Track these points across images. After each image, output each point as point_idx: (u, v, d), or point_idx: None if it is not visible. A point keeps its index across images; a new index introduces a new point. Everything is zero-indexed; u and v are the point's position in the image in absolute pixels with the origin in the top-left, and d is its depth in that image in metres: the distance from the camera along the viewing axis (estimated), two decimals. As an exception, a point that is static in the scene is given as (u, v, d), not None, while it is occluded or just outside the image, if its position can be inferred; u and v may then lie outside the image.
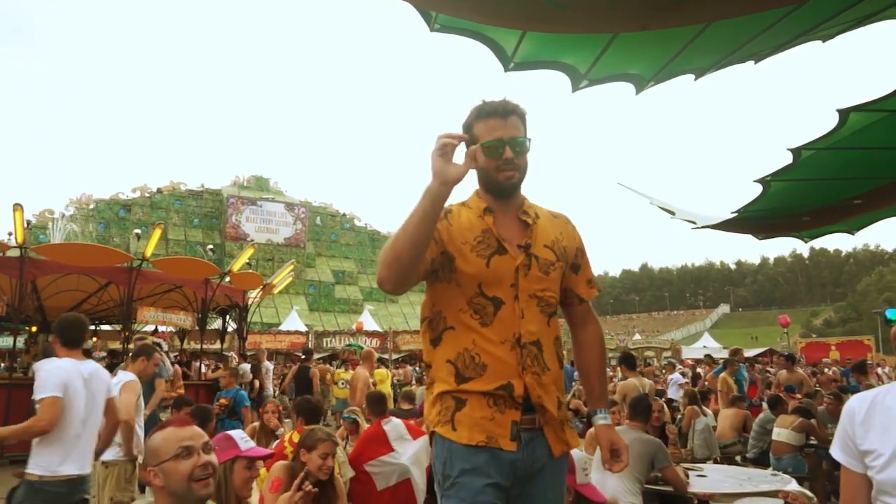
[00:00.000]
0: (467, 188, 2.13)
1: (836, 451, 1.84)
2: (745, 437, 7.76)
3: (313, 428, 3.36)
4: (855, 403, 1.82)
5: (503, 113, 1.98)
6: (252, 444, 2.92)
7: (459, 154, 1.86)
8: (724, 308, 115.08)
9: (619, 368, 8.37)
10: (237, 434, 2.91)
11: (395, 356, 26.81)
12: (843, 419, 1.83)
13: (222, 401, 7.47)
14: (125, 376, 5.00)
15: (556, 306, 2.07)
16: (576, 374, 16.30)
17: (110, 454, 4.77)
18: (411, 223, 1.78)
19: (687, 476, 4.71)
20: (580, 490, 2.89)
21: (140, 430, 4.92)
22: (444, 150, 1.79)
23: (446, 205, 1.99)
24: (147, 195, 45.34)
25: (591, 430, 2.33)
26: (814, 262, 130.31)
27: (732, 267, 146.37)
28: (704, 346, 40.49)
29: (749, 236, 7.72)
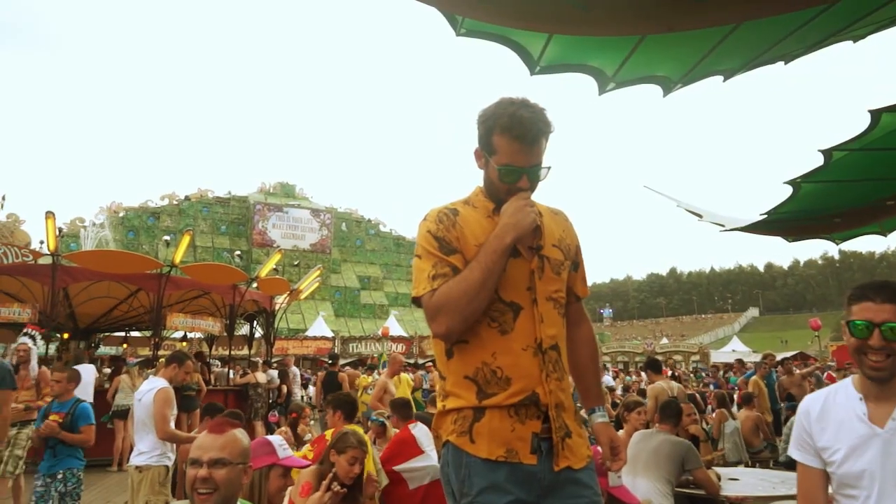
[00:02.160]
0: (469, 185, 2.08)
1: (793, 452, 1.97)
2: (768, 440, 7.74)
3: (347, 432, 3.36)
4: (809, 403, 1.96)
5: (531, 140, 1.84)
6: (290, 452, 2.92)
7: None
8: (754, 311, 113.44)
9: (645, 373, 8.34)
10: (276, 440, 2.90)
11: (421, 361, 26.82)
12: (798, 419, 1.96)
13: (53, 417, 5.24)
14: (157, 382, 5.06)
15: (565, 307, 2.00)
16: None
17: (143, 459, 4.85)
18: (488, 281, 1.76)
19: (719, 479, 4.66)
20: (612, 492, 2.87)
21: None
22: (525, 210, 1.80)
23: (450, 204, 1.97)
24: (175, 203, 46.07)
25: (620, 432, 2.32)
26: (845, 264, 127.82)
27: (762, 270, 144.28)
28: (733, 350, 39.88)
29: (779, 239, 7.62)
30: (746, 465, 6.85)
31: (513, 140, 1.84)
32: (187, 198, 46.79)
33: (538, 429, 1.82)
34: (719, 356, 36.90)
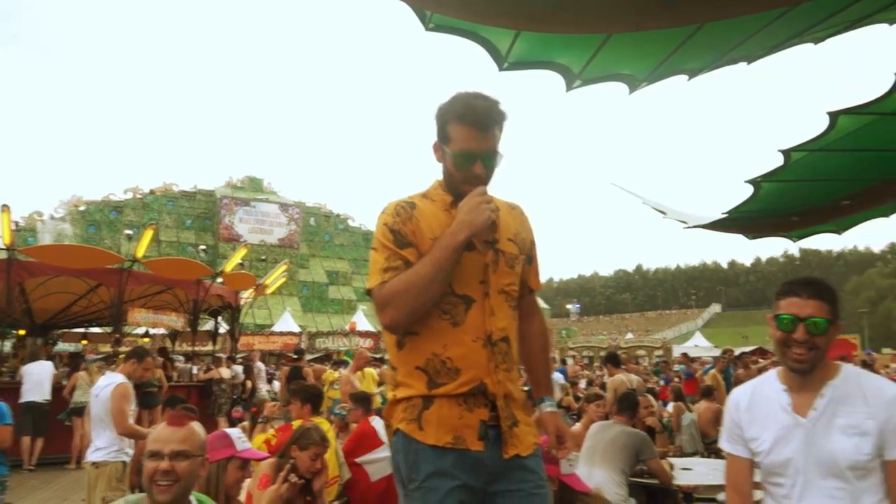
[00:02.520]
0: (428, 179, 2.09)
1: (723, 443, 2.06)
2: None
3: (310, 428, 3.36)
4: (738, 395, 2.04)
5: (484, 126, 1.89)
6: (248, 444, 2.92)
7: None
8: (716, 308, 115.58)
9: (606, 367, 8.54)
10: (234, 433, 2.91)
11: (388, 356, 26.73)
12: (728, 411, 2.05)
13: None
14: (115, 378, 4.99)
15: (518, 300, 2.04)
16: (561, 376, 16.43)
17: (100, 455, 4.78)
18: (438, 275, 1.79)
19: (672, 468, 4.79)
20: (564, 480, 2.91)
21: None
22: (481, 205, 1.80)
23: (409, 197, 2.00)
24: (139, 196, 45.13)
25: (576, 427, 2.34)
26: (805, 262, 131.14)
27: (725, 267, 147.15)
28: (696, 346, 40.63)
29: (742, 237, 7.78)
30: (702, 456, 7.03)
31: (467, 127, 1.89)
32: (152, 191, 45.88)
33: (486, 416, 1.86)
34: (682, 351, 37.56)
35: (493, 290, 1.92)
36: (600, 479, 4.22)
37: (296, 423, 4.47)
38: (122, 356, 6.41)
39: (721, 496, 5.23)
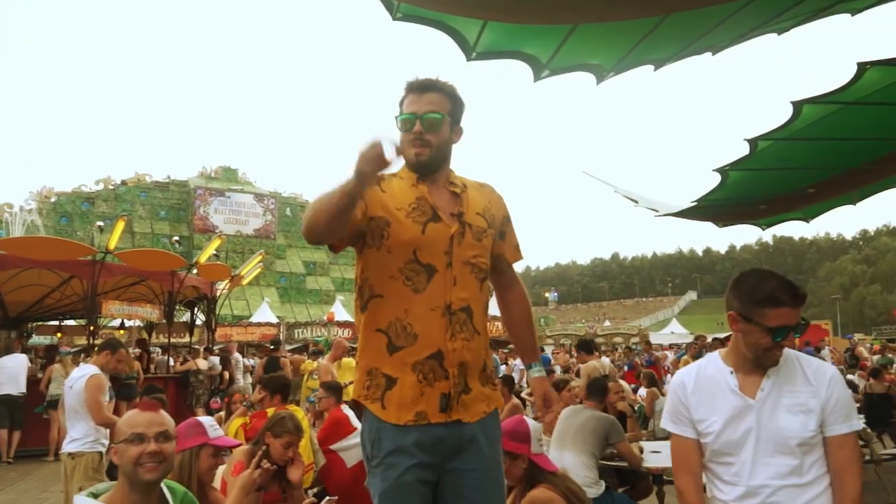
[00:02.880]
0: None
1: (666, 424, 2.10)
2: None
3: (284, 416, 3.39)
4: (683, 377, 2.08)
5: (420, 89, 2.02)
6: (221, 432, 2.97)
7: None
8: (692, 295, 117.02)
9: (578, 354, 8.65)
10: (207, 421, 2.96)
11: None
12: (674, 392, 2.09)
13: None
14: (88, 369, 5.00)
15: (487, 272, 2.09)
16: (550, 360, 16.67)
17: (76, 446, 4.79)
18: (335, 195, 1.80)
19: (641, 451, 4.90)
20: (533, 459, 2.98)
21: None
22: (367, 154, 1.76)
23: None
24: (111, 187, 44.37)
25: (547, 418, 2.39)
26: (778, 249, 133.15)
27: (701, 255, 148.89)
28: (672, 332, 41.19)
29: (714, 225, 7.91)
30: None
31: (408, 95, 2.04)
32: (124, 182, 45.12)
33: (446, 389, 1.94)
34: (658, 338, 38.06)
35: (456, 261, 1.98)
36: (570, 462, 4.30)
37: (270, 411, 4.52)
38: (97, 348, 6.39)
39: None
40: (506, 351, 20.88)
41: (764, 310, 1.89)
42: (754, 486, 1.88)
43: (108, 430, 4.93)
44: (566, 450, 4.47)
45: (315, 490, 4.50)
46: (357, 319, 2.07)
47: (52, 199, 41.69)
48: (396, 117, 2.05)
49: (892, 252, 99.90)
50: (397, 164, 1.85)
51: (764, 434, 1.89)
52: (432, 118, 2.00)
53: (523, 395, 9.43)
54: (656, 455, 5.11)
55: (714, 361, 2.04)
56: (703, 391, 2.00)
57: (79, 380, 4.90)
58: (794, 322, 1.88)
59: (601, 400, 4.80)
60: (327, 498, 3.42)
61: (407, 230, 1.96)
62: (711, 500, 2.01)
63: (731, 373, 1.97)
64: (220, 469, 3.39)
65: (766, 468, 1.88)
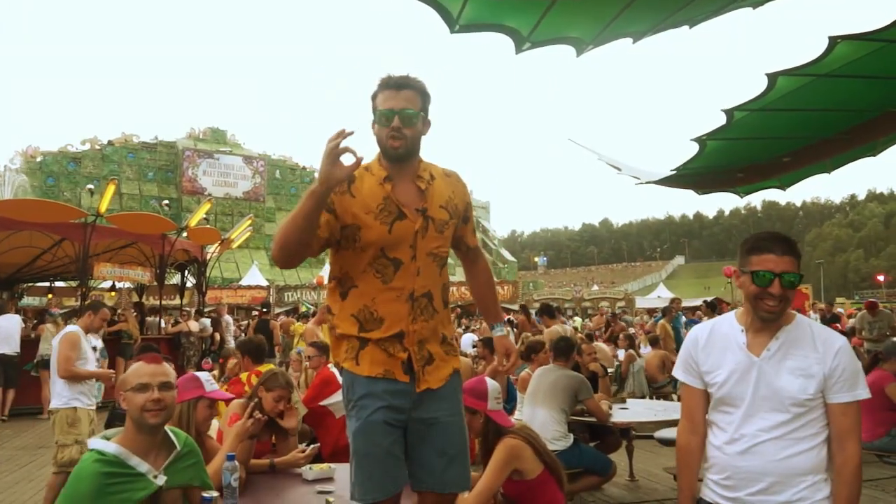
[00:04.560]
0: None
1: (678, 373, 2.29)
2: (673, 377, 8.47)
3: (276, 372, 3.65)
4: (698, 332, 2.26)
5: (396, 86, 2.22)
6: (216, 386, 3.23)
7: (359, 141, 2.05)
8: (679, 260, 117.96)
9: (541, 318, 8.93)
10: (204, 376, 3.20)
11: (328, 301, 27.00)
12: (686, 345, 2.27)
13: None
14: (69, 328, 5.33)
15: (446, 258, 2.37)
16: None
17: (54, 402, 5.10)
18: (297, 218, 2.05)
19: (610, 408, 5.21)
20: (490, 415, 3.25)
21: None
22: (331, 155, 1.98)
23: (357, 170, 2.20)
24: (98, 147, 43.89)
25: (524, 373, 2.66)
26: (766, 214, 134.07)
27: (692, 219, 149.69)
28: (659, 297, 41.67)
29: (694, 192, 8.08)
30: (650, 399, 7.52)
31: (384, 91, 2.24)
32: (110, 142, 44.61)
33: (405, 357, 2.24)
34: (645, 302, 38.58)
35: (420, 254, 2.24)
36: (542, 417, 4.58)
37: (243, 376, 4.93)
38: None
39: (657, 433, 5.69)
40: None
41: (750, 257, 2.05)
42: (742, 434, 2.04)
43: (85, 387, 5.20)
44: (538, 406, 4.74)
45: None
46: (333, 304, 2.34)
47: (38, 159, 41.27)
48: (374, 112, 2.25)
49: (877, 218, 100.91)
50: (352, 161, 2.02)
51: (763, 390, 2.02)
52: (409, 114, 2.21)
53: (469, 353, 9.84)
54: (624, 411, 5.45)
55: (729, 319, 2.19)
56: (714, 345, 2.16)
57: (58, 338, 5.21)
58: (779, 269, 1.98)
59: (567, 358, 5.05)
60: (312, 445, 3.71)
61: (375, 231, 2.20)
62: (708, 444, 2.17)
63: (742, 331, 2.11)
64: (215, 422, 3.64)
65: (759, 420, 2.02)
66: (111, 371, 5.94)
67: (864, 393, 1.99)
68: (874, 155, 6.53)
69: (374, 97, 2.27)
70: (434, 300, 2.30)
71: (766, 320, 2.05)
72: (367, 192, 2.24)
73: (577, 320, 8.79)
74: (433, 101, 2.33)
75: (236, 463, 2.71)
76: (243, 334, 15.81)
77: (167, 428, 2.30)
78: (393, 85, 2.23)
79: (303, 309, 18.87)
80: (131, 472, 2.14)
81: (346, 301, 2.29)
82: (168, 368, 2.35)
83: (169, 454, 2.27)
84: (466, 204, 2.46)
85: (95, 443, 2.20)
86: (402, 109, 2.20)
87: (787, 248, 2.01)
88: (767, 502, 2.00)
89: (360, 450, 2.18)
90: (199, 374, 3.23)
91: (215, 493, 2.31)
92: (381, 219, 2.21)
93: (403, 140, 2.22)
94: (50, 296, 19.29)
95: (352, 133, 1.99)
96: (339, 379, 4.82)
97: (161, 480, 2.19)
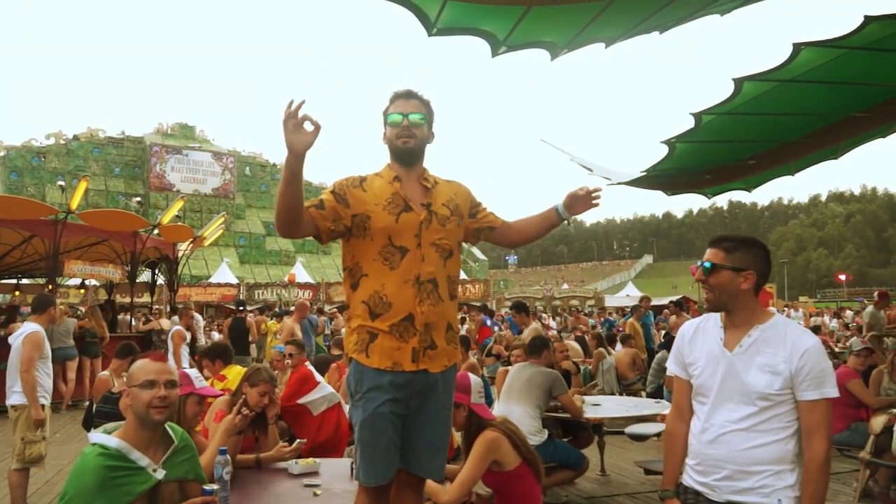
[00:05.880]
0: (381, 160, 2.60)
1: (670, 365, 2.48)
2: (642, 375, 8.71)
3: (259, 368, 3.74)
4: (687, 327, 2.46)
5: (405, 96, 2.52)
6: (205, 384, 3.35)
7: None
8: (648, 259, 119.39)
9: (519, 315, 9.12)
10: (193, 373, 3.31)
11: (327, 307, 27.05)
12: (677, 340, 2.47)
13: None
14: (29, 327, 5.27)
15: (451, 250, 2.53)
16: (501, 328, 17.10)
17: (18, 398, 5.07)
18: (282, 188, 2.24)
19: (583, 403, 5.36)
20: (473, 407, 3.38)
21: (45, 377, 5.20)
22: (287, 125, 2.15)
23: (364, 174, 2.51)
24: (63, 142, 42.92)
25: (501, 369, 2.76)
26: (732, 214, 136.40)
27: (660, 218, 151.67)
28: (627, 295, 42.20)
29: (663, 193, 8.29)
30: (620, 396, 7.69)
31: (395, 100, 2.53)
32: (76, 137, 43.66)
33: (417, 344, 2.40)
34: (614, 301, 39.06)
35: (424, 242, 2.43)
36: (517, 413, 4.70)
37: (215, 383, 4.95)
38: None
39: (628, 429, 5.87)
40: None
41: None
42: (711, 424, 2.20)
43: (49, 384, 5.23)
44: (513, 402, 4.87)
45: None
46: (347, 296, 2.51)
47: (1, 154, 40.32)
48: (385, 117, 2.51)
49: (839, 217, 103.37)
50: (314, 127, 2.19)
51: (731, 382, 2.18)
52: (417, 116, 2.49)
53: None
54: (596, 408, 5.60)
55: (714, 318, 2.36)
56: (697, 340, 2.35)
57: (18, 337, 5.19)
58: (704, 259, 2.25)
59: (539, 355, 5.19)
60: (298, 441, 3.78)
61: (383, 220, 2.41)
62: (690, 431, 2.34)
63: (721, 328, 2.29)
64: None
65: (726, 412, 2.18)
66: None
67: (832, 392, 2.09)
68: (836, 158, 6.79)
69: (385, 111, 2.53)
70: (439, 287, 2.46)
71: (709, 309, 2.29)
72: (377, 189, 2.49)
73: (537, 326, 8.96)
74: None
75: (228, 457, 2.79)
76: (217, 333, 15.72)
77: (167, 424, 2.39)
78: (403, 95, 2.52)
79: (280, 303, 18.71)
80: (132, 466, 2.22)
81: (357, 291, 2.46)
82: (173, 367, 2.45)
83: (167, 448, 2.35)
84: (471, 202, 2.70)
85: (97, 437, 2.27)
86: (411, 113, 2.48)
87: (716, 240, 2.27)
88: (732, 487, 2.15)
89: (366, 439, 2.35)
90: (188, 371, 3.33)
91: (216, 486, 2.41)
92: (388, 210, 2.43)
93: (412, 138, 2.48)
94: (17, 293, 18.94)
95: (303, 102, 2.16)
96: (316, 377, 4.95)
97: (160, 474, 2.27)
